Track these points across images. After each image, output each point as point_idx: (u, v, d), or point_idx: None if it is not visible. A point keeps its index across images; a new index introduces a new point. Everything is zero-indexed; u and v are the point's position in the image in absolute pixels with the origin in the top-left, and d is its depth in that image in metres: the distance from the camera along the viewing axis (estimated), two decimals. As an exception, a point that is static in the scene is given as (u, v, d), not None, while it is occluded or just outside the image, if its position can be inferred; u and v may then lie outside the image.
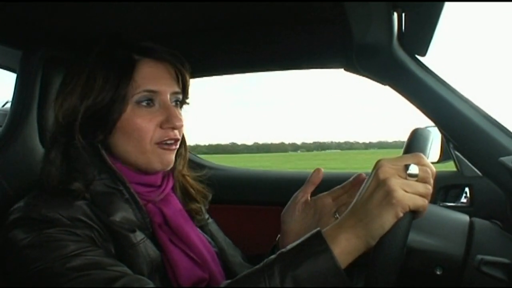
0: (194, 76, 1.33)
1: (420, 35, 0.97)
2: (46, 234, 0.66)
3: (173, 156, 0.81)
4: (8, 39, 1.00)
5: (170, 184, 0.85)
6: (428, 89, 1.05)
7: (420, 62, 1.07)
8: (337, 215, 0.83)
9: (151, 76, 0.78)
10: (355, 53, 1.08)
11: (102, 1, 0.89)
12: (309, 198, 0.87)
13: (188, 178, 0.92)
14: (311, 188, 0.88)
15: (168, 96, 0.80)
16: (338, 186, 0.86)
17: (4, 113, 1.61)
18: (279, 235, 0.90)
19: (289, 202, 0.88)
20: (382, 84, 1.12)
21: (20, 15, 0.92)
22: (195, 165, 0.96)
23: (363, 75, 1.14)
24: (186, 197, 0.89)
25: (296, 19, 1.06)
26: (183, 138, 0.87)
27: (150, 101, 0.78)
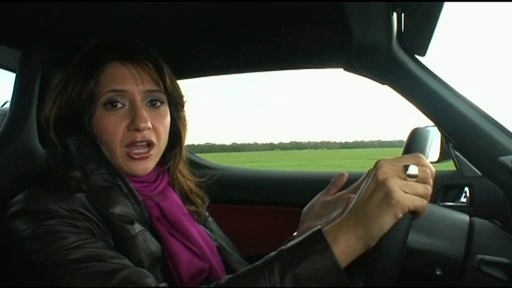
0: (193, 76, 1.34)
1: (419, 35, 0.97)
2: (46, 225, 0.66)
3: (147, 163, 0.78)
4: (8, 39, 1.00)
5: (166, 180, 0.85)
6: (428, 89, 1.05)
7: (419, 62, 1.07)
8: None
9: (117, 77, 0.76)
10: (355, 53, 1.07)
11: (102, 1, 0.89)
12: (330, 199, 0.86)
13: (189, 182, 0.92)
14: (333, 190, 0.87)
15: (139, 96, 0.77)
16: (356, 182, 0.83)
17: (3, 113, 1.60)
18: (294, 233, 0.89)
19: (310, 202, 0.88)
20: (382, 84, 1.12)
21: (20, 15, 0.92)
22: (193, 165, 0.96)
23: (363, 75, 1.14)
24: (185, 200, 0.90)
25: (296, 19, 1.06)
26: (180, 139, 0.87)
27: (117, 103, 0.76)
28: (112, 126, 0.75)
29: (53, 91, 0.80)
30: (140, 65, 0.78)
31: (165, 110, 0.81)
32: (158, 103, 0.80)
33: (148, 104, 0.79)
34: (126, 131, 0.75)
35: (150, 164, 0.79)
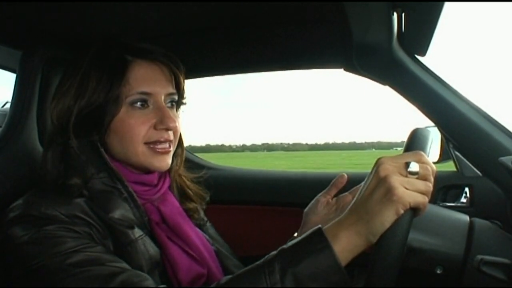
0: (193, 76, 1.34)
1: (420, 35, 0.97)
2: (45, 231, 0.66)
3: (168, 159, 0.81)
4: (8, 39, 1.00)
5: (167, 183, 0.86)
6: (428, 89, 1.05)
7: (420, 62, 1.07)
8: None
9: (145, 78, 0.78)
10: (355, 53, 1.08)
11: (102, 1, 0.89)
12: (330, 200, 0.90)
13: (185, 179, 0.92)
14: (333, 191, 0.91)
15: (163, 98, 0.80)
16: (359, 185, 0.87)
17: (4, 113, 1.61)
18: (295, 234, 0.91)
19: (311, 202, 0.92)
20: (382, 84, 1.12)
21: (20, 15, 0.92)
22: (194, 165, 0.96)
23: (363, 75, 1.14)
24: (183, 197, 0.90)
25: (296, 19, 1.06)
26: (180, 138, 0.87)
27: (144, 103, 0.78)
28: (138, 125, 0.77)
29: (62, 92, 0.79)
30: (165, 64, 0.81)
31: (176, 111, 0.85)
32: (174, 104, 0.84)
33: (166, 104, 0.81)
34: (152, 130, 0.77)
35: (169, 160, 0.81)
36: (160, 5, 0.94)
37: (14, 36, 0.99)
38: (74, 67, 0.80)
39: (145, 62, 0.79)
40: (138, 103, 0.77)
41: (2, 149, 0.88)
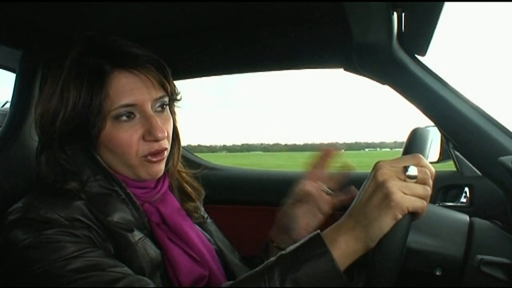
0: (193, 76, 1.34)
1: (420, 35, 0.97)
2: (45, 235, 0.65)
3: (161, 166, 0.78)
4: (8, 39, 0.99)
5: (166, 184, 0.84)
6: (428, 89, 1.05)
7: (419, 62, 1.07)
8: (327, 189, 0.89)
9: (126, 89, 0.73)
10: (355, 53, 1.08)
11: (103, 1, 0.89)
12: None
13: (184, 175, 0.90)
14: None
15: (150, 105, 0.75)
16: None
17: (4, 113, 1.61)
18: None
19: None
20: (382, 84, 1.12)
21: (20, 15, 0.92)
22: (192, 165, 0.96)
23: (363, 75, 1.14)
24: (183, 195, 0.89)
25: (296, 19, 1.06)
26: (177, 137, 0.86)
27: (130, 114, 0.73)
28: (127, 139, 0.73)
29: (45, 100, 0.75)
30: (146, 70, 0.75)
31: (169, 112, 0.80)
32: (164, 106, 0.79)
33: (155, 110, 0.77)
34: (142, 141, 0.74)
35: (163, 166, 0.79)
36: (160, 5, 0.94)
37: (14, 36, 0.99)
38: (55, 72, 0.75)
39: (125, 71, 0.73)
40: (124, 116, 0.73)
41: (1, 149, 0.88)
